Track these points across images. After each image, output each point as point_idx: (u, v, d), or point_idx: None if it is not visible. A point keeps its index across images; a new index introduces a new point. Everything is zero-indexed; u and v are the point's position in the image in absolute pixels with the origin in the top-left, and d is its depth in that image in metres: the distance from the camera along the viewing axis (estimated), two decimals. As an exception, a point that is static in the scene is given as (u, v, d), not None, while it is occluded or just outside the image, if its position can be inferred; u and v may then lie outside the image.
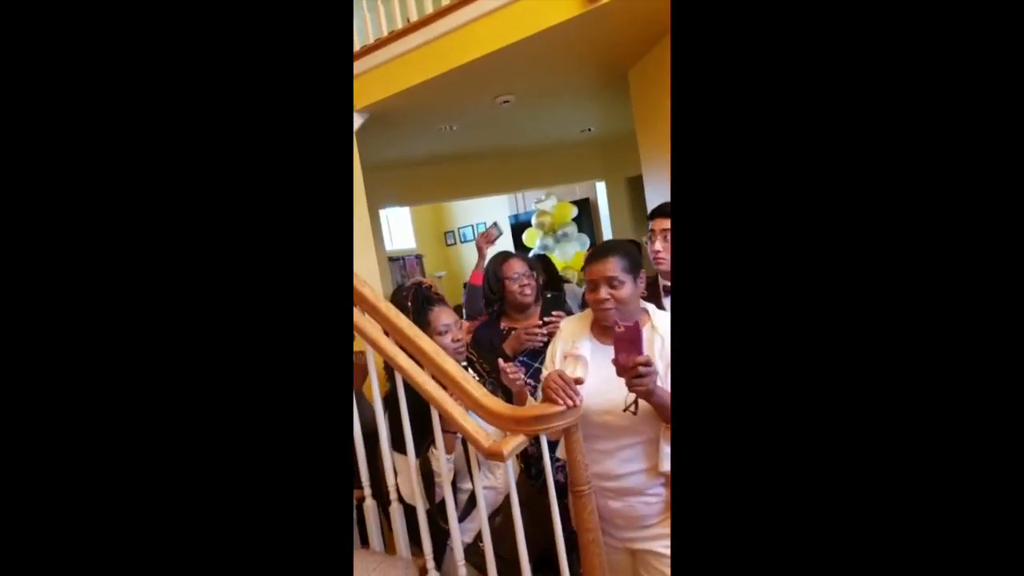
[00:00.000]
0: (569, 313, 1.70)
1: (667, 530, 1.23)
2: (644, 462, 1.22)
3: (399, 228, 6.92)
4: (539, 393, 1.19)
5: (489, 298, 1.85)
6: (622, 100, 3.55)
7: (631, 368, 1.10)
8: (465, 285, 3.76)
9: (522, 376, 1.28)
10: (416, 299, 1.46)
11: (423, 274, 6.56)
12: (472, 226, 7.01)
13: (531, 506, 1.42)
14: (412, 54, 2.73)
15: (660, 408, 1.16)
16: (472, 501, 1.27)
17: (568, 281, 3.57)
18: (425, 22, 2.63)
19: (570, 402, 1.10)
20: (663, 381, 1.18)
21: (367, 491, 1.32)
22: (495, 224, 2.45)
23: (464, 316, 2.83)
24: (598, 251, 1.29)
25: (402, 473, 1.28)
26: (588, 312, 1.34)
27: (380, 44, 2.78)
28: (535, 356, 1.63)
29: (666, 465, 1.19)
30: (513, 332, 1.68)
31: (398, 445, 1.25)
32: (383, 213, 4.82)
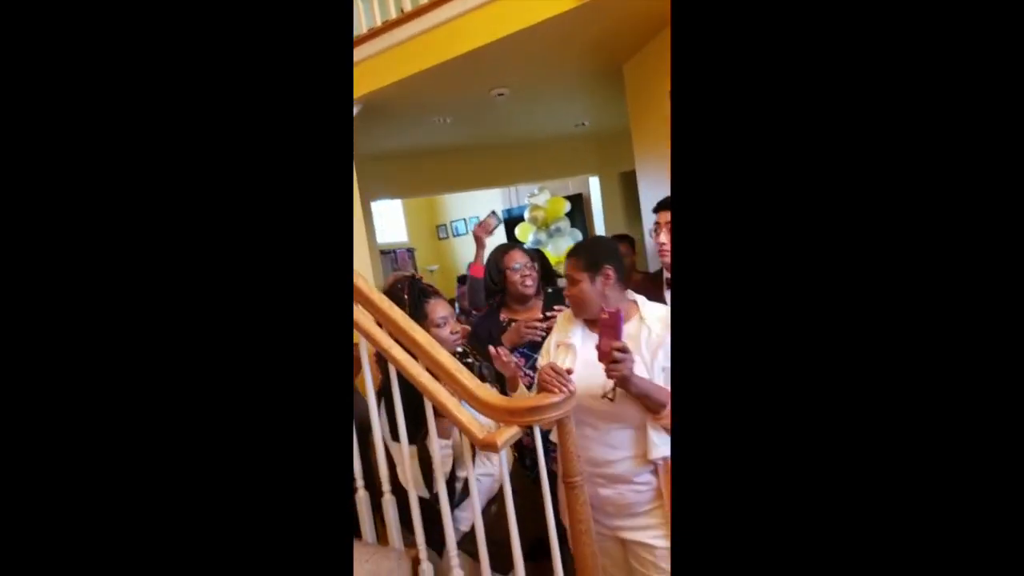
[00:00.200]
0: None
1: (657, 520, 1.25)
2: (631, 449, 1.25)
3: (391, 221, 6.89)
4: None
5: (490, 288, 1.85)
6: (617, 95, 3.55)
7: (607, 353, 1.14)
8: (460, 279, 3.75)
9: (514, 360, 1.30)
10: (412, 291, 1.46)
11: (415, 268, 6.54)
12: (465, 220, 6.99)
13: (525, 495, 1.43)
14: (406, 44, 2.71)
15: (640, 396, 1.19)
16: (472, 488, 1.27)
17: (561, 276, 3.57)
18: (419, 12, 2.61)
19: (566, 391, 1.12)
20: (648, 372, 1.21)
21: (359, 483, 1.32)
22: (493, 213, 2.38)
23: (458, 310, 2.83)
24: (569, 250, 1.41)
25: (401, 463, 1.28)
26: None
27: (374, 34, 2.76)
28: (535, 348, 1.64)
29: (654, 453, 1.21)
30: (513, 324, 1.68)
31: (397, 435, 1.25)
32: (374, 205, 4.80)
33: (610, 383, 1.20)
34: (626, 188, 5.36)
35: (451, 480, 1.27)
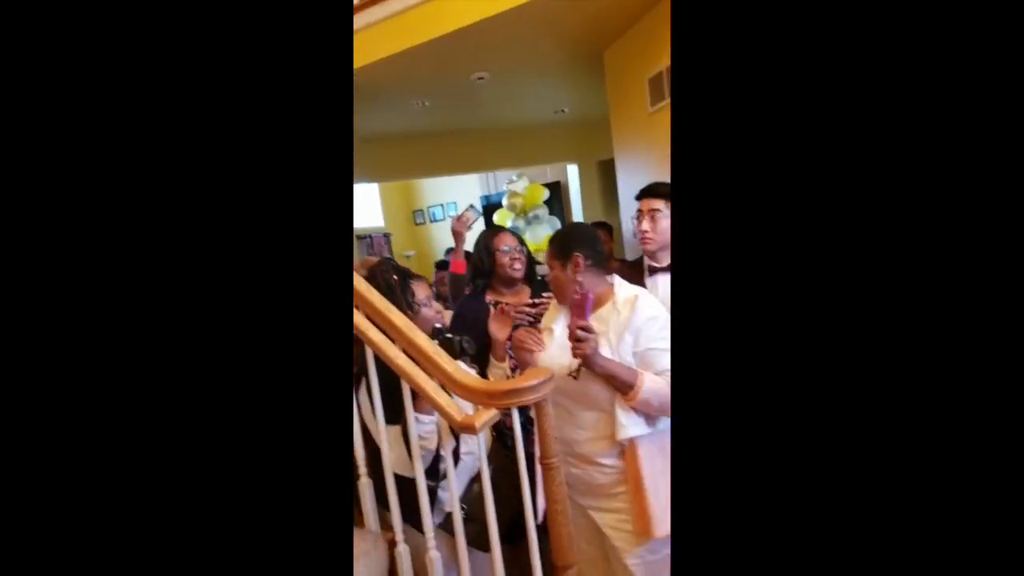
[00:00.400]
0: None
1: (623, 504, 1.29)
2: (598, 431, 1.28)
3: (366, 205, 6.79)
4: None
5: (478, 269, 1.82)
6: (596, 83, 3.55)
7: (574, 333, 1.19)
8: (438, 264, 3.72)
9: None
10: (398, 272, 1.45)
11: (391, 253, 6.47)
12: (442, 205, 6.94)
13: (506, 474, 1.44)
14: (384, 23, 2.66)
15: (606, 376, 1.23)
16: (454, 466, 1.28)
17: (539, 263, 3.59)
18: (399, -9, 2.56)
19: (538, 347, 1.27)
20: (613, 353, 1.25)
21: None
22: (471, 207, 2.33)
23: (436, 295, 2.81)
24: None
25: (390, 444, 1.27)
26: None
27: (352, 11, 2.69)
28: None
29: (620, 433, 1.24)
30: (499, 306, 1.65)
31: (385, 417, 1.24)
32: (351, 189, 4.72)
33: (576, 362, 1.23)
34: (604, 176, 5.38)
35: (436, 459, 1.27)
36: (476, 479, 1.38)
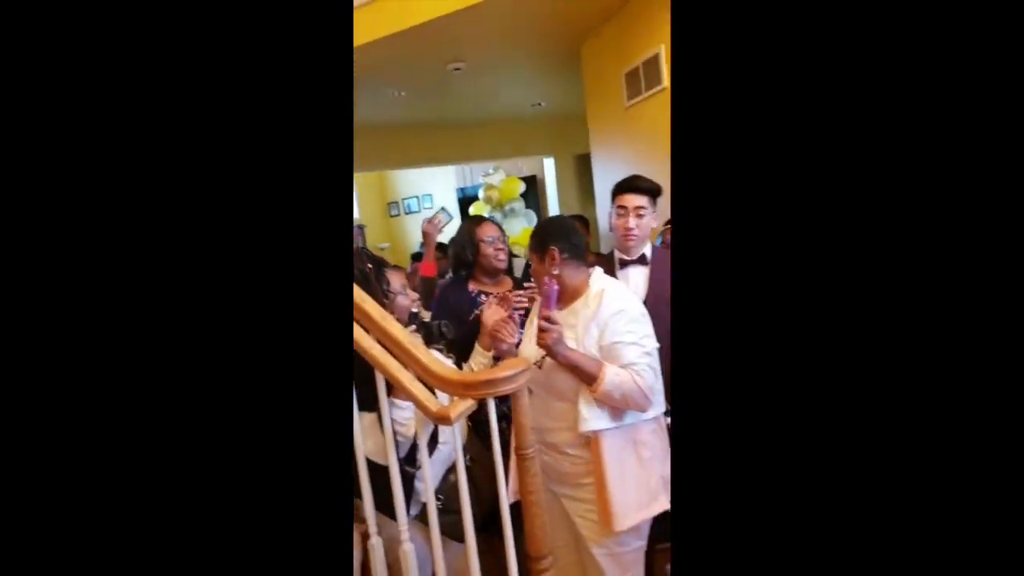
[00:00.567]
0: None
1: (591, 495, 1.30)
2: (567, 421, 1.30)
3: (341, 196, 6.67)
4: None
5: (460, 260, 1.79)
6: (574, 77, 3.55)
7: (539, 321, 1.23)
8: (414, 256, 3.69)
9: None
10: (372, 261, 1.43)
11: (365, 245, 6.39)
12: (417, 197, 6.87)
13: (482, 464, 1.44)
14: (362, 10, 2.61)
15: (569, 367, 1.25)
16: (430, 454, 1.27)
17: (516, 256, 3.59)
18: (376, -23, 2.51)
19: (511, 338, 1.31)
20: (578, 344, 1.28)
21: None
22: (443, 209, 2.29)
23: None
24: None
25: (366, 432, 1.25)
26: None
27: (326, -3, 2.64)
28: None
29: (581, 426, 1.26)
30: (492, 297, 1.61)
31: (362, 404, 1.23)
32: (325, 179, 4.64)
33: (542, 352, 1.26)
34: (580, 170, 5.40)
35: (413, 448, 1.26)
36: (452, 470, 1.38)
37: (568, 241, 1.35)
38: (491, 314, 1.50)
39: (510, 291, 1.77)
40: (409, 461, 1.25)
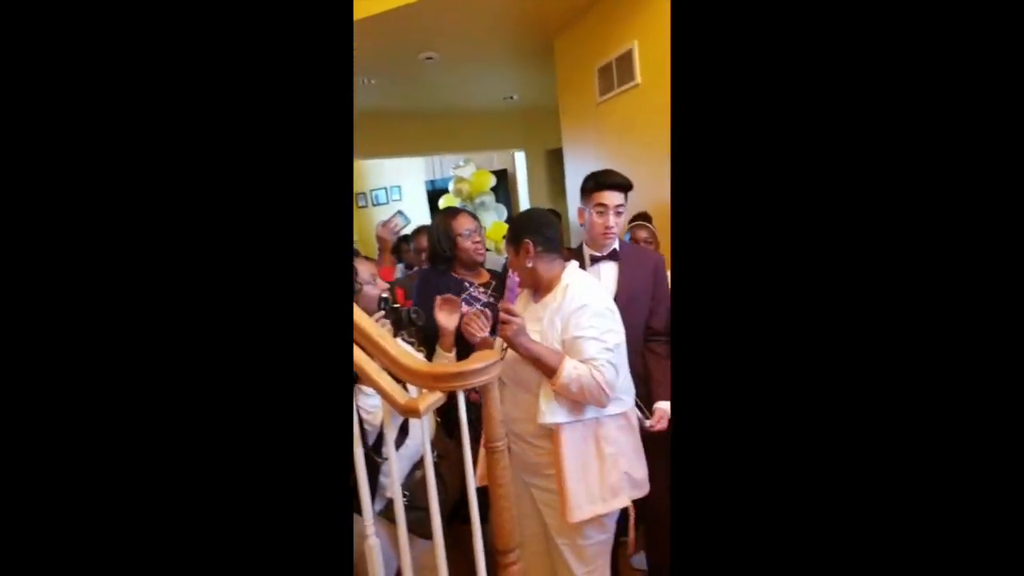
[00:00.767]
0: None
1: (555, 485, 1.31)
2: (531, 412, 1.30)
3: (307, 186, 6.51)
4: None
5: (437, 255, 1.74)
6: (547, 70, 3.54)
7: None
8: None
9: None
10: None
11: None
12: (386, 189, 6.77)
13: (448, 460, 1.42)
14: (330, -7, 2.53)
15: (530, 358, 1.26)
16: (397, 448, 1.24)
17: (488, 250, 3.58)
18: (346, -41, 2.44)
19: (481, 332, 1.34)
20: (542, 337, 1.30)
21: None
22: (399, 213, 2.22)
23: None
24: None
25: None
26: None
27: (294, -22, 2.55)
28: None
29: (539, 418, 1.27)
30: (445, 295, 1.59)
31: None
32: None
33: (504, 343, 1.27)
34: (552, 165, 5.41)
35: (379, 437, 1.24)
36: (419, 465, 1.36)
37: (542, 234, 1.35)
38: (445, 317, 1.48)
39: (487, 283, 1.75)
40: (376, 450, 1.22)
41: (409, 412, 1.06)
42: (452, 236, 1.71)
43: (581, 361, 1.26)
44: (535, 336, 1.29)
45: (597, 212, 1.56)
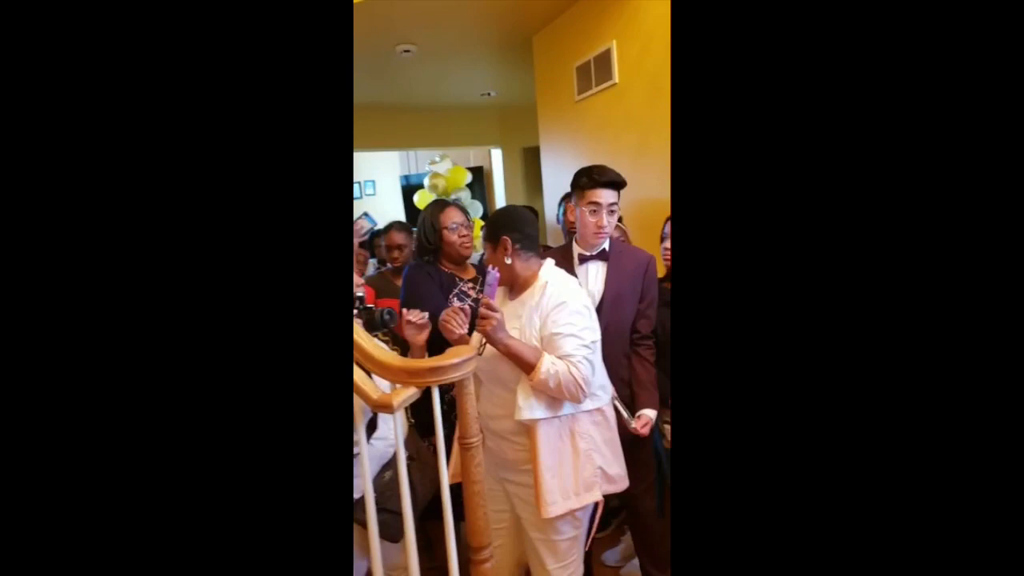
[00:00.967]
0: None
1: (532, 479, 1.32)
2: (509, 409, 1.31)
3: (278, 178, 6.37)
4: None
5: (423, 247, 1.72)
6: (524, 67, 3.53)
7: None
8: (359, 244, 3.57)
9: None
10: None
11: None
12: (359, 183, 6.67)
13: (420, 459, 1.40)
14: (305, -20, 2.47)
15: (509, 355, 1.26)
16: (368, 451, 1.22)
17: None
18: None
19: (460, 328, 1.29)
20: (521, 335, 1.29)
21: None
22: (365, 214, 2.17)
23: None
24: None
25: None
26: None
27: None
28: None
29: (516, 414, 1.28)
30: (407, 313, 1.56)
31: None
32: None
33: (482, 338, 1.27)
34: (528, 163, 5.40)
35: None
36: (387, 466, 1.33)
37: (521, 231, 1.36)
38: (413, 334, 1.44)
39: (473, 279, 1.74)
40: None
41: (382, 407, 1.04)
42: (439, 228, 1.69)
43: (559, 357, 1.27)
44: (514, 333, 1.29)
45: (590, 210, 1.52)
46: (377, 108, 4.67)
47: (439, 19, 2.88)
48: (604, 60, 2.63)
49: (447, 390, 1.33)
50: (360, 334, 1.09)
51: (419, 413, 1.56)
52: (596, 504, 1.33)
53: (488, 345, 1.28)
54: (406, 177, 6.45)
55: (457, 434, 1.10)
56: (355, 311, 1.36)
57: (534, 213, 2.80)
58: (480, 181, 5.99)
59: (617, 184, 1.53)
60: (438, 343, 1.52)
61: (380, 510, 1.20)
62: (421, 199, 5.50)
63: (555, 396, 1.28)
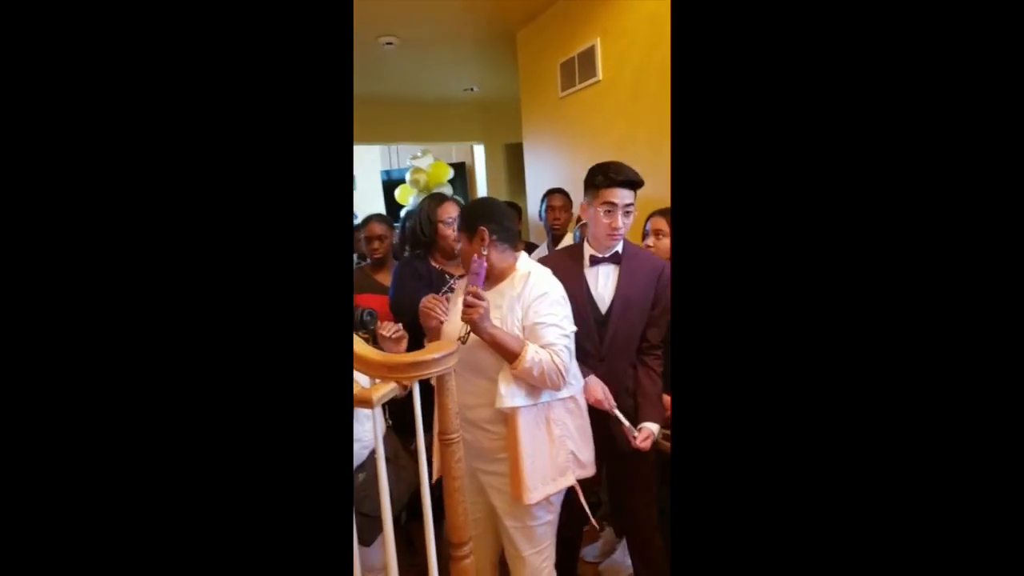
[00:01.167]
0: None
1: (506, 468, 1.34)
2: (487, 398, 1.31)
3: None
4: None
5: (417, 239, 1.71)
6: (508, 64, 3.52)
7: (465, 297, 1.23)
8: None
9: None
10: None
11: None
12: (340, 177, 6.58)
13: (397, 462, 1.38)
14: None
15: (493, 344, 1.26)
16: None
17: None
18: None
19: (444, 316, 1.31)
20: (504, 324, 1.30)
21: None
22: None
23: None
24: None
25: None
26: None
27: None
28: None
29: (498, 403, 1.28)
30: (384, 325, 1.54)
31: None
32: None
33: (466, 327, 1.26)
34: (511, 160, 5.39)
35: None
36: (360, 468, 1.31)
37: (499, 223, 1.36)
38: (390, 345, 1.45)
39: (463, 276, 1.73)
40: None
41: (361, 403, 1.02)
42: (435, 221, 1.68)
43: (541, 346, 1.28)
44: (495, 323, 1.29)
45: (604, 211, 1.42)
46: (357, 101, 4.60)
47: (422, 11, 2.84)
48: (588, 57, 2.63)
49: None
50: (339, 328, 1.07)
51: (397, 413, 1.54)
52: (570, 488, 1.36)
53: (471, 334, 1.28)
54: (387, 172, 6.39)
55: (437, 430, 1.09)
56: None
57: (517, 209, 2.80)
58: (462, 177, 5.95)
59: (635, 183, 1.43)
60: (420, 339, 1.51)
61: (355, 513, 1.19)
62: (402, 194, 5.44)
63: (536, 384, 1.29)
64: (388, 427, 1.40)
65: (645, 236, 1.78)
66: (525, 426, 1.30)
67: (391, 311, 1.72)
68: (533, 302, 1.30)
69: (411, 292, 1.58)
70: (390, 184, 5.94)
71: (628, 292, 1.47)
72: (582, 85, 2.71)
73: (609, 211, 1.42)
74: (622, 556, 1.93)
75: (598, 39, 2.56)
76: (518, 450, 1.28)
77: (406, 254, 1.82)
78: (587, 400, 1.40)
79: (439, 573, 1.06)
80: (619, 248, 1.48)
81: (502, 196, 5.25)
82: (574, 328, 1.34)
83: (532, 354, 1.26)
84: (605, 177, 1.43)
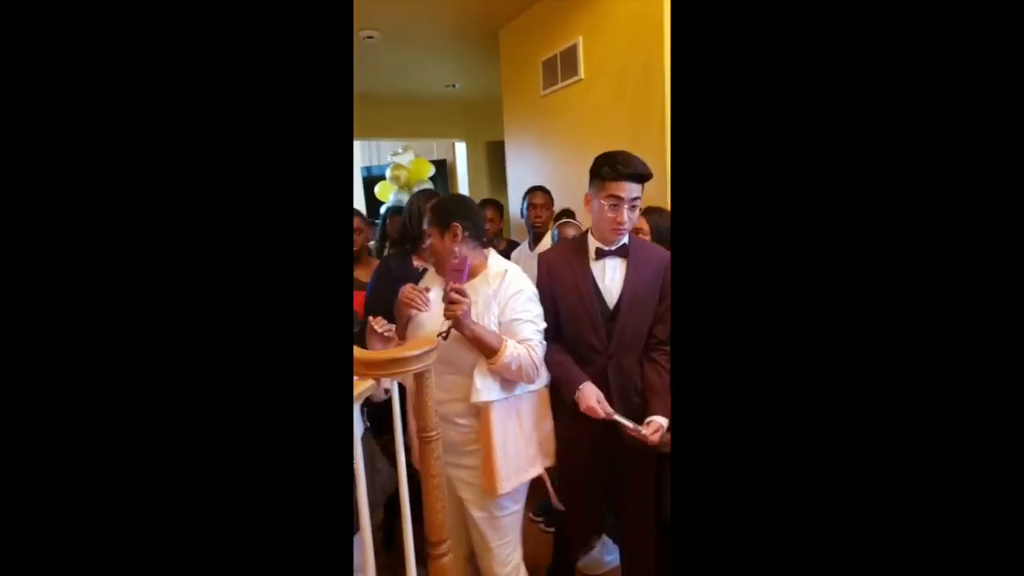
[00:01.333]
0: None
1: (476, 461, 1.36)
2: (459, 393, 1.33)
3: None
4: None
5: (407, 233, 1.72)
6: (490, 60, 3.51)
7: (447, 294, 1.24)
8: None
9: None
10: None
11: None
12: (319, 172, 6.49)
13: (373, 465, 1.38)
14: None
15: (473, 340, 1.28)
16: None
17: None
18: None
19: (425, 307, 1.32)
20: (484, 320, 1.31)
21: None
22: None
23: None
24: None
25: None
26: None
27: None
28: None
29: (473, 397, 1.30)
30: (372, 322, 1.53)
31: None
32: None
33: (446, 323, 1.26)
34: (492, 157, 5.38)
35: None
36: None
37: (472, 220, 1.37)
38: (379, 343, 1.43)
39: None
40: None
41: (339, 400, 1.00)
42: (424, 216, 1.69)
43: (519, 342, 1.32)
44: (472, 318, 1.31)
45: (609, 204, 1.35)
46: (338, 96, 4.55)
47: (404, 6, 2.82)
48: (570, 55, 2.64)
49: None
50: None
51: (374, 415, 1.53)
52: (537, 477, 1.40)
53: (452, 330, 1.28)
54: (367, 168, 6.32)
55: (415, 428, 1.08)
56: None
57: (499, 207, 2.79)
58: (443, 174, 5.92)
59: (643, 176, 1.36)
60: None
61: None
62: (382, 191, 5.39)
63: (512, 379, 1.32)
64: (366, 429, 1.39)
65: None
66: (498, 419, 1.32)
67: (365, 310, 1.71)
68: (510, 299, 1.33)
69: (387, 298, 1.57)
70: (370, 180, 5.87)
71: (636, 286, 1.41)
72: (564, 83, 2.71)
73: (614, 205, 1.35)
74: (600, 552, 1.94)
75: (580, 38, 2.57)
76: (491, 442, 1.31)
77: (387, 252, 1.82)
78: (580, 407, 1.37)
79: (417, 571, 1.06)
80: (625, 240, 1.44)
81: (483, 193, 5.24)
82: (545, 324, 1.38)
83: (511, 349, 1.29)
84: (612, 169, 1.34)
